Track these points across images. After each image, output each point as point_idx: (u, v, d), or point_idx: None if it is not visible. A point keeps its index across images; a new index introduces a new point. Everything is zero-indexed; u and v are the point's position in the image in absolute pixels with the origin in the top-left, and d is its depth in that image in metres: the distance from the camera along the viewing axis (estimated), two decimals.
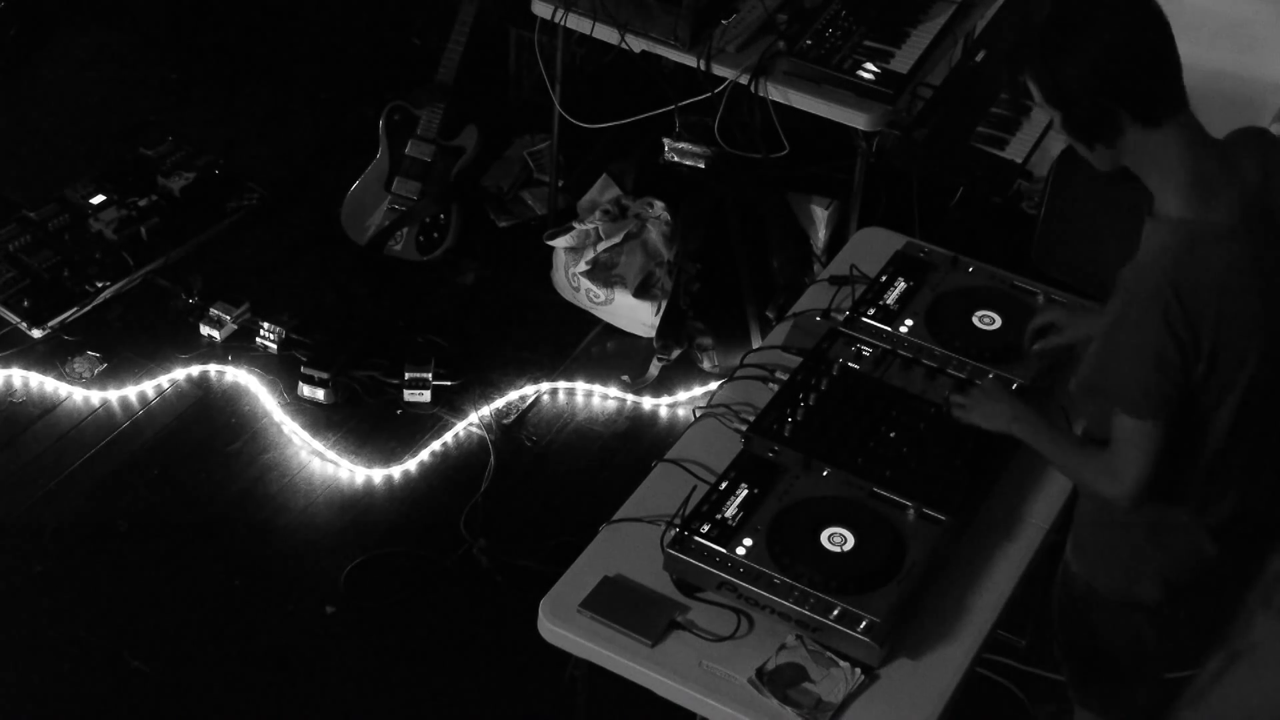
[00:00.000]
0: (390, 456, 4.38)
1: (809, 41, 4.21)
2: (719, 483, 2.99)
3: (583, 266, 4.70)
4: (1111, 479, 2.76)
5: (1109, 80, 2.60)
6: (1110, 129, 2.64)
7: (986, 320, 3.32)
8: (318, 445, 4.39)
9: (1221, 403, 2.72)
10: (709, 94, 4.29)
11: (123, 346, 4.62)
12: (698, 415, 3.26)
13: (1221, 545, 2.91)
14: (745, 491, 2.96)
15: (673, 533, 2.89)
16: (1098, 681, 3.29)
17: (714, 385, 4.46)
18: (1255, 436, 2.82)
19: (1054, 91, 2.65)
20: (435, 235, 4.93)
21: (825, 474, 3.00)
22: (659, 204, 4.70)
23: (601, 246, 4.68)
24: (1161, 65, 2.63)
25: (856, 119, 4.15)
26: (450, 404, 4.53)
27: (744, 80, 4.20)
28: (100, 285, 4.72)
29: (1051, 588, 3.46)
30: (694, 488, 3.03)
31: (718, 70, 4.24)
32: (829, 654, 2.78)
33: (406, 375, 4.51)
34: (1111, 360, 2.69)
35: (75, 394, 4.48)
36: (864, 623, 2.75)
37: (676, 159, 4.83)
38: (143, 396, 4.50)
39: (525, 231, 5.06)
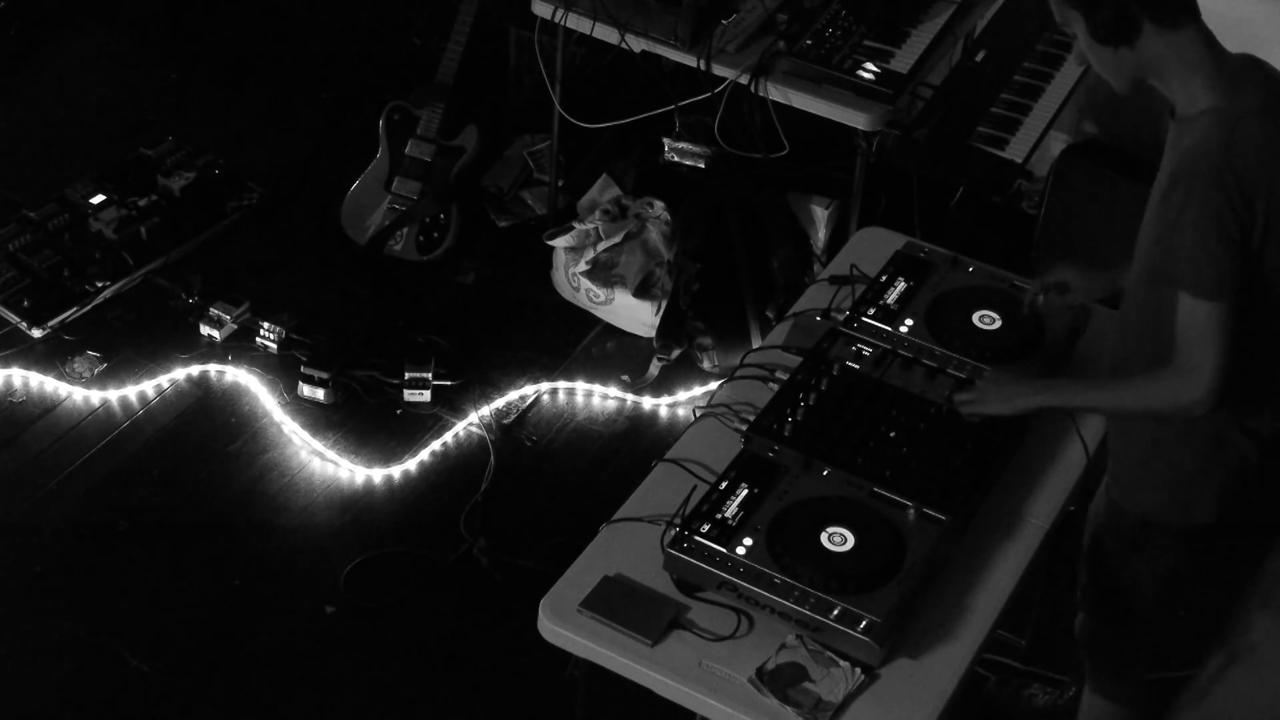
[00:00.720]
0: (390, 456, 4.38)
1: (809, 41, 4.21)
2: (719, 482, 2.98)
3: (583, 266, 4.71)
4: (1188, 381, 2.74)
5: None
6: (1131, 29, 2.69)
7: (986, 320, 3.32)
8: (318, 445, 4.39)
9: (1273, 282, 2.75)
10: (709, 94, 4.29)
11: (123, 346, 4.62)
12: (698, 415, 3.26)
13: (1264, 455, 2.94)
14: (745, 491, 2.96)
15: (673, 532, 2.89)
16: (1119, 638, 3.29)
17: (714, 385, 4.46)
18: None
19: None
20: (435, 235, 4.93)
21: (825, 474, 3.00)
22: (659, 204, 4.70)
23: (601, 246, 4.68)
24: None
25: (856, 119, 4.15)
26: (450, 404, 4.53)
27: (744, 80, 4.20)
28: (100, 285, 4.72)
29: (1052, 588, 3.47)
30: (694, 488, 3.03)
31: (718, 70, 4.24)
32: (829, 654, 2.78)
33: (406, 375, 4.52)
34: (1175, 249, 2.71)
35: (75, 394, 4.48)
36: (864, 623, 2.75)
37: (676, 159, 4.83)
38: (143, 396, 4.50)
39: (525, 231, 5.06)
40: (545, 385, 4.61)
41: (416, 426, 4.47)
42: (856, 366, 3.22)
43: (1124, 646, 3.33)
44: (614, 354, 4.75)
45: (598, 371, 4.67)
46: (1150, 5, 2.69)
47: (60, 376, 4.51)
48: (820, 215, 4.75)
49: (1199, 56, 2.72)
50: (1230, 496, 2.99)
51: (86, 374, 4.52)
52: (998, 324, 3.31)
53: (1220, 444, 2.93)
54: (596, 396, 4.61)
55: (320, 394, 4.49)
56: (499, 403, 4.54)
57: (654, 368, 4.66)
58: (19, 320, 4.61)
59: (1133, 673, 3.37)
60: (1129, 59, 2.74)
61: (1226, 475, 2.97)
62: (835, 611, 2.76)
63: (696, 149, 4.80)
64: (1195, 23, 2.73)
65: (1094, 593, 3.29)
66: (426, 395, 4.51)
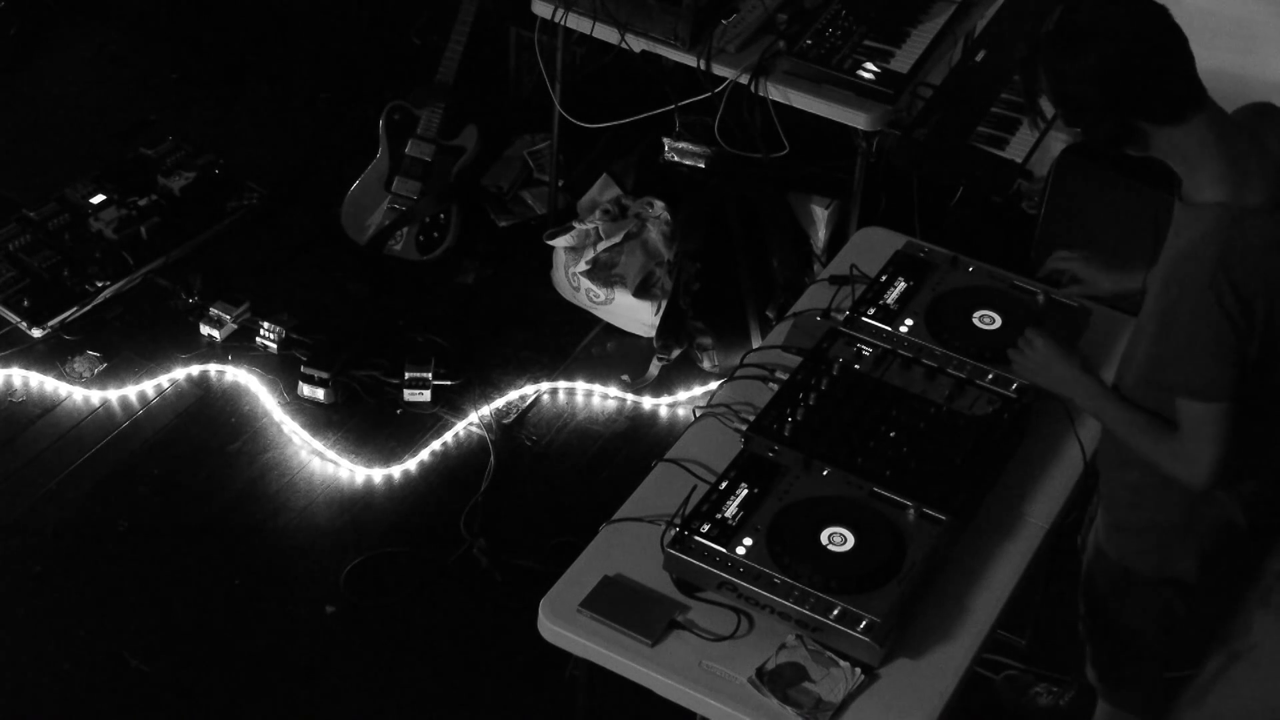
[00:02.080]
0: (390, 456, 4.38)
1: (809, 41, 4.21)
2: (719, 482, 2.98)
3: (583, 266, 4.70)
4: (1186, 465, 2.75)
5: (1115, 93, 2.61)
6: (1134, 136, 2.65)
7: (986, 320, 3.32)
8: (318, 445, 4.39)
9: (1263, 381, 2.73)
10: (709, 94, 4.29)
11: (123, 346, 4.62)
12: (698, 415, 3.26)
13: (1249, 515, 2.92)
14: (745, 491, 2.96)
15: (673, 532, 2.89)
16: (1126, 663, 3.29)
17: (714, 385, 4.46)
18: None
19: (1068, 109, 2.66)
20: (435, 235, 4.93)
21: (825, 474, 3.00)
22: (659, 204, 4.70)
23: (601, 246, 4.68)
24: (1171, 66, 2.63)
25: (856, 119, 4.15)
26: (450, 404, 4.53)
27: (744, 80, 4.20)
28: (100, 285, 4.72)
29: (1051, 588, 3.47)
30: (694, 487, 3.03)
31: (718, 70, 4.24)
32: (829, 654, 2.78)
33: (406, 375, 4.52)
34: (1169, 350, 2.70)
35: (75, 394, 4.48)
36: (864, 622, 2.75)
37: (676, 159, 4.83)
38: (143, 396, 4.50)
39: (525, 231, 5.06)
40: (545, 385, 4.61)
41: (416, 426, 4.47)
42: (856, 367, 3.22)
43: (1131, 670, 3.31)
44: (614, 354, 4.75)
45: (598, 371, 4.67)
46: (1149, 112, 2.63)
47: (60, 376, 4.51)
48: (820, 215, 4.75)
49: (1207, 148, 2.65)
50: (1212, 556, 2.96)
51: (86, 374, 4.52)
52: (998, 324, 3.31)
53: (1205, 501, 2.89)
54: (596, 396, 4.61)
55: (320, 394, 4.49)
56: (499, 403, 4.54)
57: (654, 368, 4.66)
58: (19, 320, 4.61)
59: (1144, 679, 3.35)
60: (1136, 152, 2.70)
61: (1208, 532, 2.94)
62: (835, 611, 2.76)
63: (696, 149, 4.80)
64: (1202, 111, 2.65)
65: (1091, 625, 3.28)
66: (426, 395, 4.51)
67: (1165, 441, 2.79)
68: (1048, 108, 2.78)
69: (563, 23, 4.41)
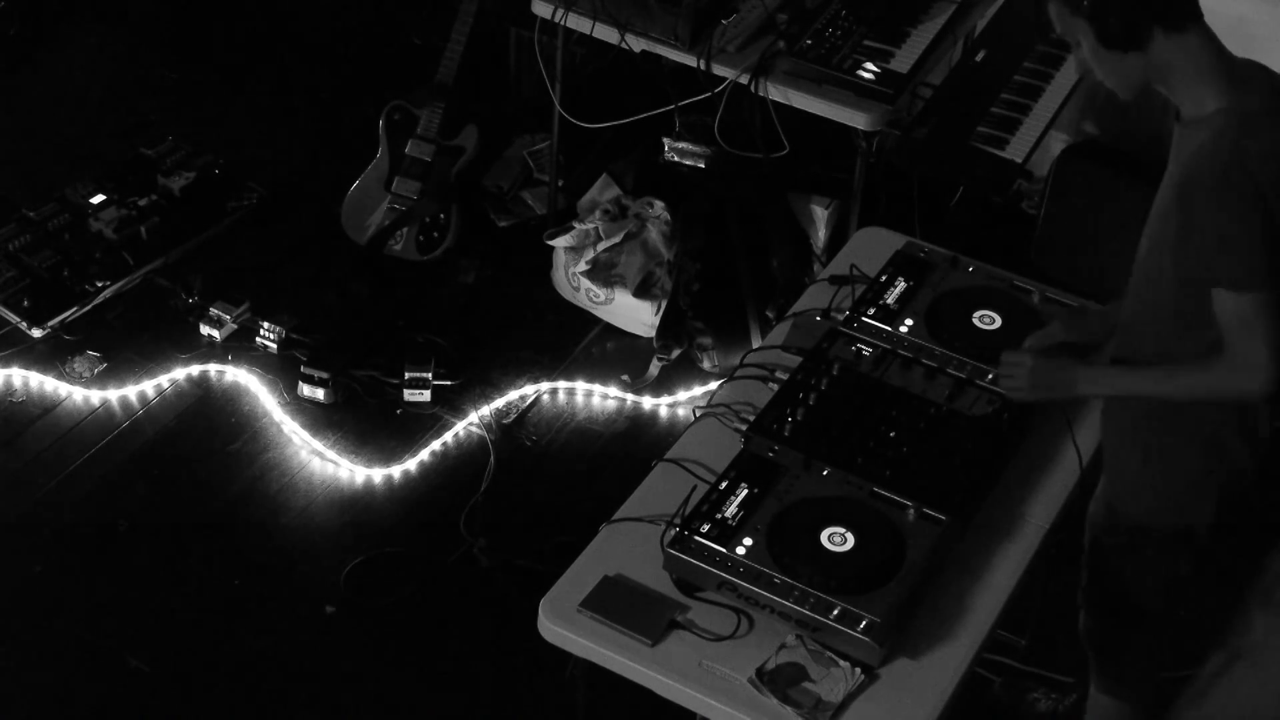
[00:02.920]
0: (390, 456, 4.38)
1: (809, 41, 4.21)
2: (719, 482, 2.99)
3: (583, 266, 4.70)
4: (1245, 371, 2.73)
5: None
6: (1143, 34, 2.69)
7: (986, 320, 3.32)
8: (318, 445, 4.39)
9: None
10: (709, 94, 4.29)
11: (123, 346, 4.62)
12: (698, 415, 3.26)
13: (1256, 458, 2.95)
14: (745, 491, 2.96)
15: (673, 532, 2.89)
16: (1124, 634, 3.29)
17: (714, 385, 4.46)
18: None
19: (1086, 3, 2.69)
20: (435, 235, 4.93)
21: (825, 474, 3.00)
22: (659, 204, 4.70)
23: (601, 246, 4.68)
24: None
25: (856, 119, 4.15)
26: (450, 404, 4.53)
27: (744, 80, 4.20)
28: (100, 285, 4.72)
29: (1052, 588, 3.47)
30: (694, 487, 3.03)
31: (718, 70, 4.24)
32: (829, 654, 2.78)
33: (406, 375, 4.52)
34: (1202, 253, 2.71)
35: (75, 394, 4.48)
36: (864, 622, 2.75)
37: (676, 159, 4.83)
38: (143, 396, 4.50)
39: (525, 231, 5.06)
40: (545, 385, 4.61)
41: (416, 426, 4.47)
42: (857, 366, 3.22)
43: (1128, 645, 3.33)
44: (614, 354, 4.75)
45: (598, 371, 4.67)
46: (1159, 12, 2.70)
47: (60, 376, 4.51)
48: (820, 215, 4.75)
49: (1206, 59, 2.73)
50: (1225, 501, 2.99)
51: (86, 374, 4.52)
52: (997, 324, 3.31)
53: (1217, 449, 2.93)
54: (596, 396, 4.61)
55: (320, 394, 4.49)
56: (499, 403, 4.54)
57: (654, 368, 4.66)
58: (19, 320, 4.61)
59: (1139, 671, 3.36)
60: (1138, 64, 2.74)
61: (1222, 480, 2.97)
62: (835, 611, 2.77)
63: (696, 149, 4.79)
64: (1199, 24, 2.74)
65: (1095, 594, 3.29)
66: (426, 395, 4.51)
67: (1212, 367, 2.78)
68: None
69: (563, 23, 4.41)
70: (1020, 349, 3.09)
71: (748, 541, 2.87)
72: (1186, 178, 2.73)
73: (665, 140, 4.81)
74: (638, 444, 4.45)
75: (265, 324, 4.65)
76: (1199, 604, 3.36)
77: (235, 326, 4.68)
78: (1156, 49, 2.71)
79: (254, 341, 4.66)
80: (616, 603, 2.86)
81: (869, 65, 4.17)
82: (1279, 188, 2.68)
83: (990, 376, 3.11)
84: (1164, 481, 3.02)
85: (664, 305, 4.67)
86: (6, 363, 4.52)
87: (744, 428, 3.10)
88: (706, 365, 4.67)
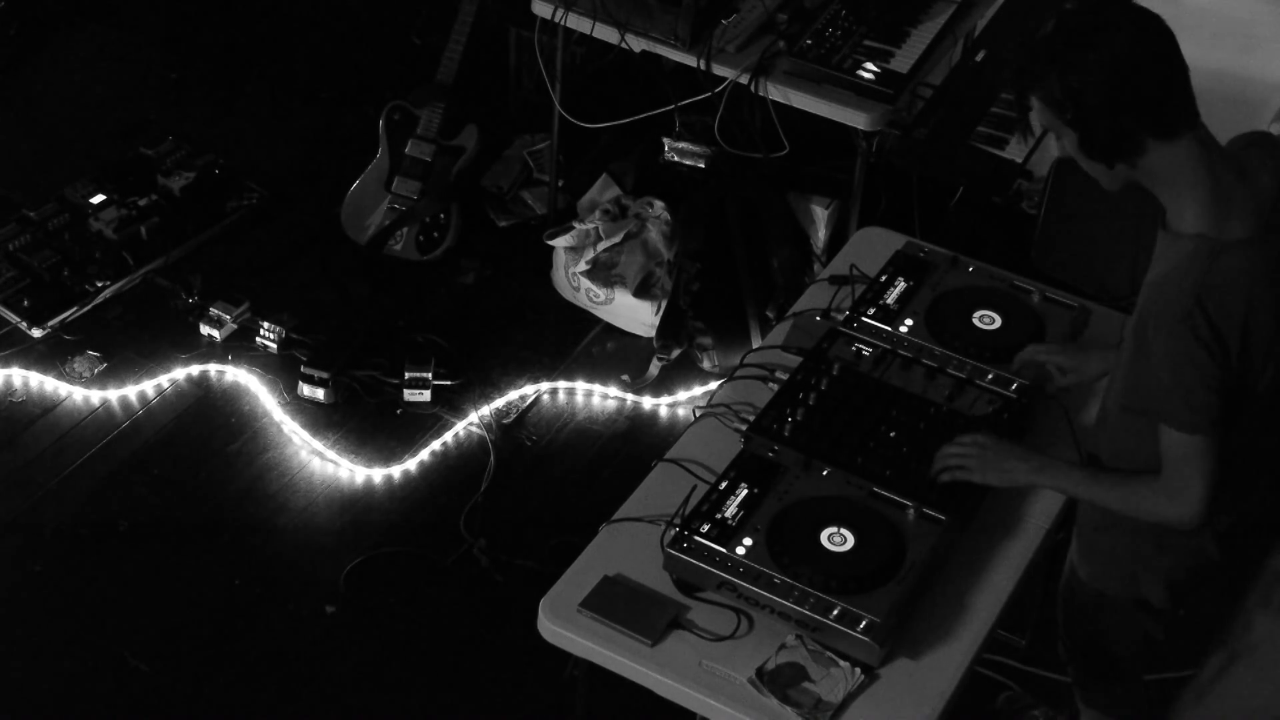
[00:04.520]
0: (390, 456, 4.38)
1: (809, 41, 4.21)
2: (719, 482, 2.99)
3: (583, 266, 4.71)
4: (1173, 502, 2.71)
5: (1125, 93, 2.55)
6: (1131, 147, 2.59)
7: (986, 320, 3.32)
8: (318, 445, 4.39)
9: (1239, 411, 2.69)
10: (709, 94, 4.29)
11: (123, 346, 4.62)
12: (698, 415, 3.26)
13: (1223, 548, 2.90)
14: (745, 491, 2.96)
15: (673, 532, 2.89)
16: (1106, 680, 3.29)
17: (714, 385, 4.46)
18: (1259, 445, 2.81)
19: (1070, 112, 2.59)
20: (435, 235, 4.93)
21: (825, 474, 3.00)
22: (659, 204, 4.70)
23: (601, 246, 4.68)
24: (1173, 76, 2.59)
25: (856, 119, 4.15)
26: (450, 404, 4.53)
27: (744, 80, 4.20)
28: (100, 285, 4.72)
29: (1051, 588, 3.46)
30: (694, 487, 3.03)
31: (718, 70, 4.24)
32: (829, 654, 2.78)
33: (406, 375, 4.52)
34: (1152, 381, 2.65)
35: (75, 394, 4.48)
36: (864, 623, 2.75)
37: (676, 159, 4.83)
38: (143, 396, 4.50)
39: (525, 231, 5.06)
40: (545, 385, 4.61)
41: (416, 426, 4.47)
42: (857, 366, 3.22)
43: (1109, 687, 3.32)
44: (614, 354, 4.75)
45: (598, 371, 4.67)
46: (1150, 122, 2.58)
47: (60, 376, 4.51)
48: (820, 215, 4.75)
49: (1194, 175, 2.60)
50: (1181, 584, 2.95)
51: (86, 374, 4.52)
52: (998, 324, 3.31)
53: (1167, 536, 2.86)
54: (596, 396, 4.61)
55: (320, 394, 4.49)
56: (499, 403, 4.54)
57: (654, 368, 4.66)
58: (19, 320, 4.61)
59: (1125, 698, 3.34)
60: (1122, 171, 2.65)
61: (1179, 561, 2.92)
62: (835, 611, 2.76)
63: (696, 149, 4.80)
64: (1193, 130, 2.61)
65: (1070, 642, 3.28)
66: (426, 395, 4.51)
67: (1148, 486, 2.74)
68: (1036, 127, 2.74)
69: (563, 23, 4.41)
70: (979, 433, 3.00)
71: (748, 541, 2.87)
72: (1147, 308, 2.65)
73: (665, 140, 4.81)
74: (638, 444, 4.45)
75: (265, 324, 4.65)
76: (1199, 604, 3.36)
77: (235, 326, 4.68)
78: (1147, 156, 2.60)
79: (254, 341, 4.66)
80: (616, 603, 2.86)
81: (869, 65, 4.17)
82: (1246, 315, 2.59)
83: (943, 450, 2.99)
84: (1119, 553, 2.97)
85: (664, 305, 4.67)
86: (6, 363, 4.52)
87: (744, 428, 3.10)
88: (706, 365, 4.67)
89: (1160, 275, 2.65)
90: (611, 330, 4.80)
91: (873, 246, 3.62)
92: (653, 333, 4.70)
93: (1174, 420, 2.66)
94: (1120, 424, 2.84)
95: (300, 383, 4.51)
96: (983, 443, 2.96)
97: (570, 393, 4.62)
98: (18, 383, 4.50)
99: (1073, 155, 2.68)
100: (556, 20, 4.42)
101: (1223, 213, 2.60)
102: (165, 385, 4.54)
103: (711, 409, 3.25)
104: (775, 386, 3.21)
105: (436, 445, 4.41)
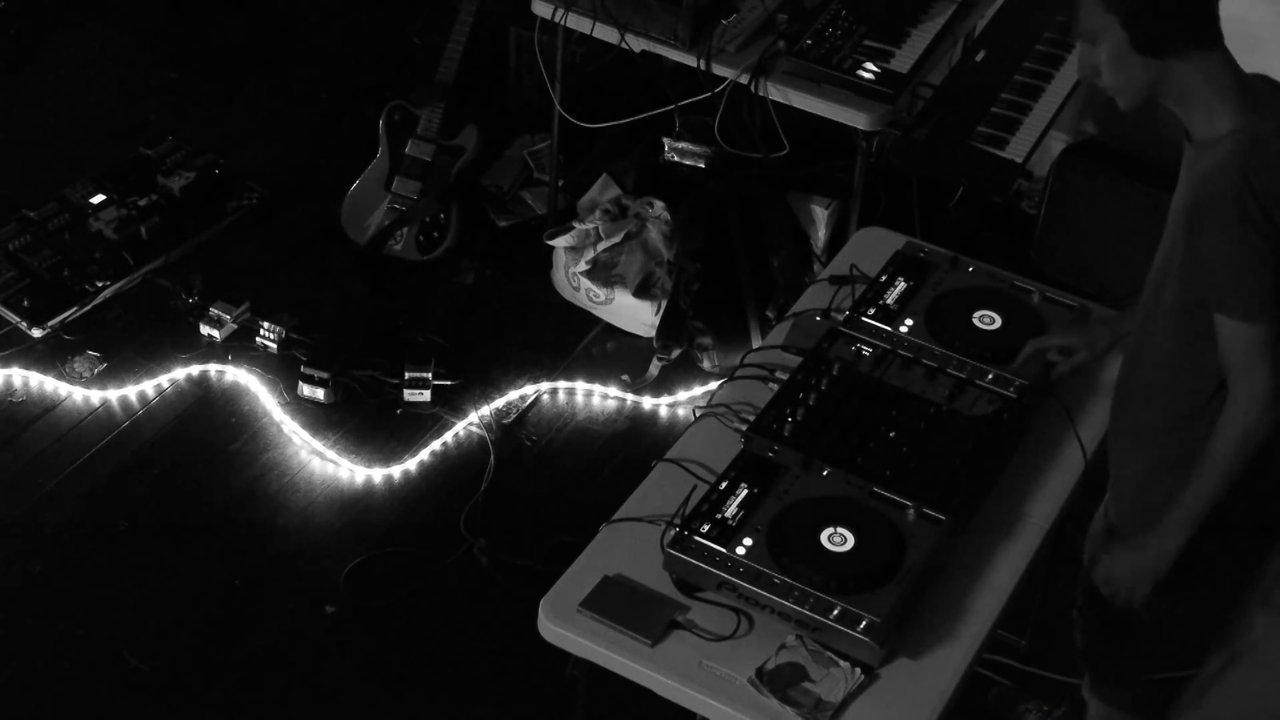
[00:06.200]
0: (390, 456, 4.38)
1: (809, 41, 4.21)
2: (719, 482, 2.98)
3: (583, 266, 4.71)
4: (1253, 406, 2.69)
5: None
6: (1173, 44, 2.65)
7: (986, 320, 3.32)
8: (318, 445, 4.39)
9: None
10: (709, 94, 4.29)
11: (123, 346, 4.62)
12: (698, 415, 3.26)
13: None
14: (745, 491, 2.96)
15: (673, 532, 2.89)
16: (1118, 656, 3.28)
17: (714, 385, 4.46)
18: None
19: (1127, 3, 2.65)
20: (435, 235, 4.93)
21: (825, 474, 3.00)
22: (659, 204, 4.70)
23: (601, 246, 4.68)
24: None
25: (856, 119, 4.15)
26: (450, 404, 4.53)
27: (744, 80, 4.20)
28: (100, 285, 4.72)
29: (1051, 588, 3.46)
30: (694, 487, 3.03)
31: (718, 70, 4.24)
32: (829, 654, 2.78)
33: (406, 375, 4.52)
34: (1209, 278, 2.67)
35: (75, 394, 4.48)
36: (864, 623, 2.75)
37: (676, 159, 4.83)
38: (143, 396, 4.50)
39: (525, 231, 5.06)
40: (545, 385, 4.61)
41: (416, 426, 4.47)
42: (857, 366, 3.22)
43: (1126, 658, 3.31)
44: (614, 354, 4.75)
45: (598, 371, 4.67)
46: (1196, 26, 2.67)
47: (60, 376, 4.51)
48: (820, 215, 4.75)
49: (1225, 79, 2.69)
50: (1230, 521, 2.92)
51: (86, 374, 4.52)
52: (998, 324, 3.31)
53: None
54: (596, 396, 4.61)
55: (320, 394, 4.49)
56: (499, 403, 4.54)
57: (654, 368, 4.66)
58: (19, 320, 4.61)
59: (1136, 679, 3.34)
60: (1152, 74, 2.69)
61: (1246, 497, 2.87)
62: (835, 611, 2.76)
63: (696, 149, 4.80)
64: (1222, 44, 2.70)
65: (1091, 614, 3.27)
66: (426, 395, 4.51)
67: (1224, 423, 2.72)
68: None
69: (563, 23, 4.41)
70: (1094, 573, 3.01)
71: (747, 541, 2.87)
72: (1196, 201, 2.69)
73: (665, 140, 4.81)
74: (638, 444, 4.45)
75: (265, 324, 4.65)
76: (1199, 604, 3.36)
77: (235, 326, 4.68)
78: (1179, 64, 2.67)
79: (254, 341, 4.66)
80: (616, 603, 2.86)
81: (869, 65, 4.17)
82: None
83: (1103, 590, 3.01)
84: (1163, 504, 2.93)
85: (664, 305, 4.67)
86: (6, 363, 4.52)
87: (744, 428, 3.10)
88: (706, 365, 4.67)
89: (1203, 171, 2.67)
90: (611, 330, 4.80)
91: (873, 246, 3.62)
92: (653, 333, 4.70)
93: (1236, 310, 2.66)
94: (1162, 356, 2.83)
95: (300, 383, 4.51)
96: (1118, 577, 2.97)
97: (570, 393, 4.62)
98: (18, 383, 4.50)
99: (1103, 67, 2.72)
100: (556, 20, 4.42)
101: (1255, 107, 2.68)
102: (165, 385, 4.54)
103: (711, 409, 3.25)
104: (775, 386, 3.21)
105: (436, 445, 4.41)
